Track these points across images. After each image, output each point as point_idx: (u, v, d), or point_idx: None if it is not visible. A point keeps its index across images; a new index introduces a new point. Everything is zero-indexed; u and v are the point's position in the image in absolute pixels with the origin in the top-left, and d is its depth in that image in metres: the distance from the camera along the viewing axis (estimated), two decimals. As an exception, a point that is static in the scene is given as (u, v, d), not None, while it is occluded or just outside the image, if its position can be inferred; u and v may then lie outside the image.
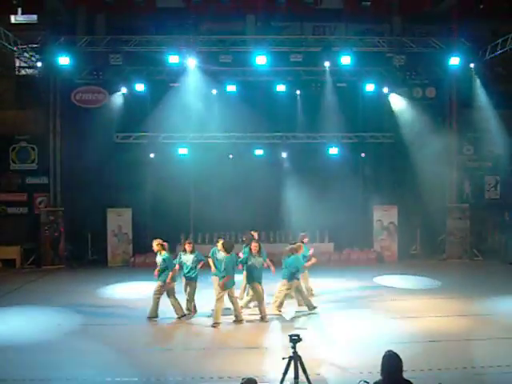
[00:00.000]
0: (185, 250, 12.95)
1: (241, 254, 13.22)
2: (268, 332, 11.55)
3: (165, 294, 12.47)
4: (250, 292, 12.80)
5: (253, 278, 12.41)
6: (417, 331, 11.47)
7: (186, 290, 12.86)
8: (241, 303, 12.79)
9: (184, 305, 12.76)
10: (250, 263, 12.43)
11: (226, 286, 11.87)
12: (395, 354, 5.54)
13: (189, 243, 13.07)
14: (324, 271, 17.21)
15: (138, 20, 20.49)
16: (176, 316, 12.47)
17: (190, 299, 12.87)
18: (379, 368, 5.51)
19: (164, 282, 12.32)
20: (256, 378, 5.65)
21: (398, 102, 20.95)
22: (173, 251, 14.15)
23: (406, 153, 20.26)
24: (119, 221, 20.64)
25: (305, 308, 13.05)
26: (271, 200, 20.57)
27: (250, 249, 12.65)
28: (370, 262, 20.17)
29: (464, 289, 15.33)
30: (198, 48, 18.79)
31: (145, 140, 20.74)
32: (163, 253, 12.46)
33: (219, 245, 12.83)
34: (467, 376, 8.79)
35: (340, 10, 20.53)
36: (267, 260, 13.10)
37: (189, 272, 12.76)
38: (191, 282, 12.80)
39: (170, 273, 12.35)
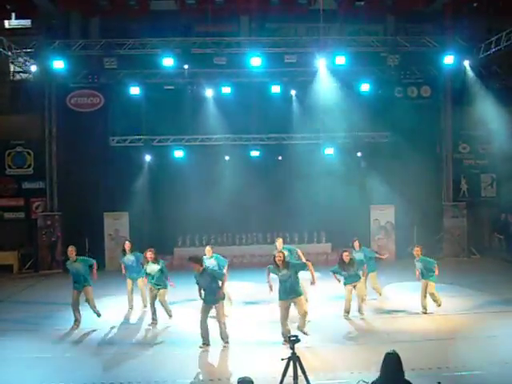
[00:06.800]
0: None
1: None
2: (266, 333, 11.51)
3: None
4: None
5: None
6: (416, 330, 11.47)
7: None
8: None
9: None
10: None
11: None
12: (397, 354, 5.54)
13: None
14: (322, 271, 17.15)
15: (132, 23, 20.51)
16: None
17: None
18: (378, 367, 5.50)
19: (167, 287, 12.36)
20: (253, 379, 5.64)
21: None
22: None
23: (401, 152, 20.24)
24: (116, 225, 20.61)
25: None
26: (268, 201, 20.52)
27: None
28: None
29: (463, 287, 15.33)
30: (193, 50, 18.81)
31: (141, 143, 20.73)
32: (160, 261, 12.41)
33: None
34: (467, 375, 8.74)
35: (334, 10, 20.54)
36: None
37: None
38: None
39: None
